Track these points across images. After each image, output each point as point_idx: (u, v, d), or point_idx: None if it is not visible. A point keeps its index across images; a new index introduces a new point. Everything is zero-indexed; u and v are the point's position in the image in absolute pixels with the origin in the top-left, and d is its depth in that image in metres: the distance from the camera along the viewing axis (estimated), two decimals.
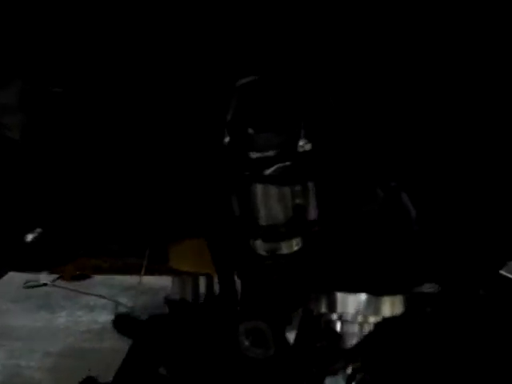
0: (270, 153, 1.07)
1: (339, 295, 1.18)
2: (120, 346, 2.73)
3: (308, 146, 1.08)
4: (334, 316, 1.18)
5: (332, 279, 1.18)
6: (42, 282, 3.52)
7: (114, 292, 3.13)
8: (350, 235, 1.16)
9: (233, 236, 1.24)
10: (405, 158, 1.12)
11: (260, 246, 1.15)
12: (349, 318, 1.17)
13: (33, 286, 3.57)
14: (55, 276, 3.38)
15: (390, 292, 1.16)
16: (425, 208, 1.12)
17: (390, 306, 1.17)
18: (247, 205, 1.12)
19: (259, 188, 1.10)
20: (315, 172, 1.11)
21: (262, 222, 1.12)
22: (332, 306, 1.18)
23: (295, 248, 1.15)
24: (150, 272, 1.63)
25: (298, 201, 1.11)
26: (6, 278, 1.77)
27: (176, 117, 1.18)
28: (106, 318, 2.91)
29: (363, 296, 1.17)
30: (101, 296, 3.07)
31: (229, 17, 1.07)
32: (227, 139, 1.11)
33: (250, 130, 1.09)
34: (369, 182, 1.13)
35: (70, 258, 1.41)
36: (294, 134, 1.07)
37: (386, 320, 1.17)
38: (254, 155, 1.08)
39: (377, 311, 1.16)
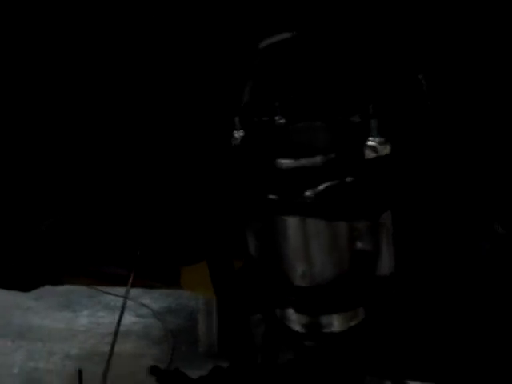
0: (315, 160, 0.70)
1: None
2: (142, 351, 2.65)
3: (384, 149, 0.70)
4: None
5: (406, 366, 0.81)
6: None
7: (137, 293, 3.05)
8: (448, 299, 0.79)
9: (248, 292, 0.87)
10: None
11: (294, 319, 0.75)
12: None
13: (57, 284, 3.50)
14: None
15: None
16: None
17: None
18: (272, 249, 0.73)
19: (293, 223, 0.70)
20: (394, 195, 0.73)
21: (298, 279, 0.73)
22: None
23: (353, 323, 0.75)
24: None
25: (360, 245, 0.72)
26: None
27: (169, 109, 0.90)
28: (128, 319, 2.83)
29: None
30: (123, 296, 2.98)
31: None
32: (239, 134, 0.75)
33: (279, 119, 0.74)
34: (483, 214, 0.78)
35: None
36: (356, 127, 0.71)
37: None
38: (285, 164, 0.70)
39: None
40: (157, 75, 0.91)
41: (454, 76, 0.79)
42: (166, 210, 1.04)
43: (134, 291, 3.06)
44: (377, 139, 0.71)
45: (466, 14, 0.76)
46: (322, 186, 0.71)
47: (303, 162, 0.71)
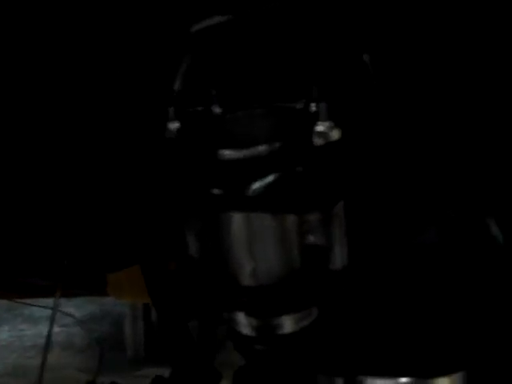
0: (259, 150, 0.65)
1: (367, 381, 0.74)
2: (67, 361, 2.58)
3: (333, 135, 0.66)
4: None
5: (362, 359, 0.75)
6: None
7: (60, 302, 2.97)
8: (401, 291, 0.76)
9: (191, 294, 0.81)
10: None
11: (244, 322, 0.71)
12: None
13: None
14: None
15: (445, 372, 0.75)
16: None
17: None
18: (216, 248, 0.68)
19: (238, 218, 0.65)
20: (347, 184, 0.69)
21: (246, 279, 0.68)
22: None
23: (305, 322, 0.72)
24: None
25: (312, 239, 0.68)
26: None
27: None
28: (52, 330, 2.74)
29: (403, 381, 0.74)
30: (46, 307, 2.90)
31: None
32: (174, 125, 0.69)
33: (217, 108, 0.69)
34: (434, 198, 0.75)
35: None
36: (300, 113, 0.66)
37: None
38: (226, 155, 0.65)
39: None
40: (83, 64, 0.86)
41: (400, 56, 0.79)
42: (91, 213, 0.99)
43: (55, 300, 2.99)
44: (326, 124, 0.66)
45: None
46: (268, 178, 0.66)
47: (246, 152, 0.66)
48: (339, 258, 0.72)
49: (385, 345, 0.76)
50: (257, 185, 0.65)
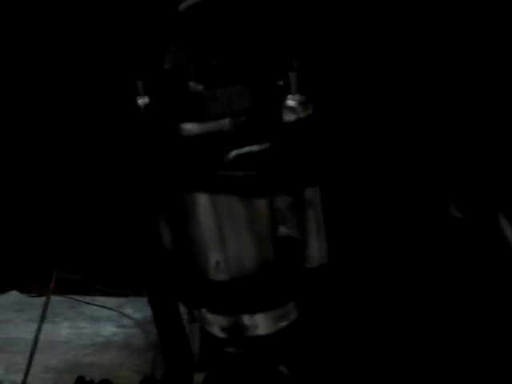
0: (223, 124, 0.56)
1: None
2: (123, 361, 2.60)
3: (304, 110, 0.58)
4: None
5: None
6: None
7: (120, 303, 3.01)
8: (395, 293, 0.67)
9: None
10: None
11: (211, 320, 0.64)
12: None
13: (37, 295, 3.46)
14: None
15: None
16: None
17: None
18: (184, 236, 0.61)
19: (202, 201, 0.58)
20: (320, 166, 0.60)
21: (212, 272, 0.61)
22: None
23: (282, 324, 0.63)
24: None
25: (284, 230, 0.60)
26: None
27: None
28: (109, 330, 2.78)
29: None
30: (105, 307, 2.95)
31: None
32: (144, 100, 0.64)
33: (192, 84, 0.60)
34: (435, 195, 0.66)
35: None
36: (277, 89, 0.58)
37: None
38: (188, 130, 0.56)
39: None
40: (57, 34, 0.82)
41: (378, 29, 0.73)
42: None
43: (116, 301, 3.04)
44: (296, 98, 0.59)
45: None
46: (231, 154, 0.58)
47: (210, 125, 0.58)
48: (316, 254, 0.63)
49: (376, 368, 0.69)
50: (220, 161, 0.57)
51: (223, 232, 0.60)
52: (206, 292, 0.65)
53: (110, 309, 2.96)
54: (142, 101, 0.66)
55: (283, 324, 0.66)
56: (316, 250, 0.64)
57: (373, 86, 0.71)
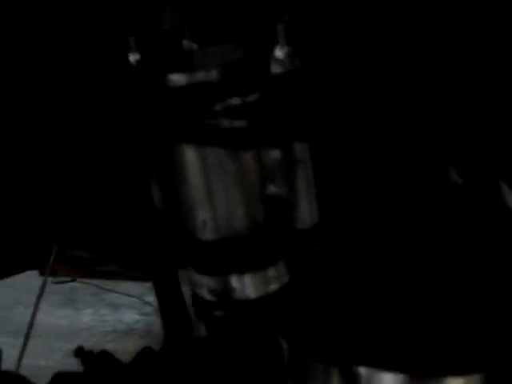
0: (210, 75, 0.55)
1: (363, 373, 0.58)
2: None
3: (292, 62, 0.57)
4: None
5: (361, 347, 0.61)
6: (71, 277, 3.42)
7: (143, 290, 3.01)
8: (388, 260, 0.63)
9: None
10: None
11: (201, 283, 0.63)
12: None
13: (61, 282, 3.47)
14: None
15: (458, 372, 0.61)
16: None
17: None
18: (173, 194, 0.60)
19: (189, 154, 0.57)
20: (309, 121, 0.59)
21: (200, 231, 0.59)
22: None
23: (272, 287, 0.62)
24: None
25: (273, 189, 0.59)
26: (34, 271, 1.65)
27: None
28: (130, 317, 2.78)
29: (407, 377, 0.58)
30: (127, 294, 2.95)
31: None
32: (135, 57, 0.64)
33: (186, 42, 0.61)
34: (427, 156, 0.64)
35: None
36: (261, 38, 0.57)
37: None
38: (174, 80, 0.56)
39: None
40: None
41: None
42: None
43: (137, 288, 3.03)
44: (284, 50, 0.58)
45: None
46: (219, 105, 0.57)
47: (197, 76, 0.57)
48: (307, 214, 0.62)
49: (389, 331, 0.61)
50: (206, 113, 0.56)
51: (211, 189, 0.59)
52: (193, 251, 0.63)
53: (132, 296, 2.96)
54: (133, 57, 0.66)
55: (274, 287, 0.65)
56: (306, 210, 0.63)
57: (366, 38, 0.69)
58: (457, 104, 0.70)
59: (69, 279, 3.64)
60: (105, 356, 1.12)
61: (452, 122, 0.70)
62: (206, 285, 0.64)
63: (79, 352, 1.11)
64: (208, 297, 0.64)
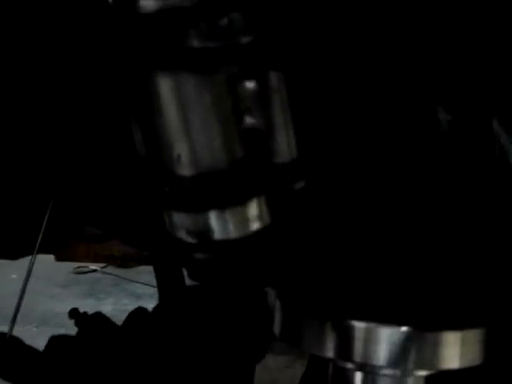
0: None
1: (358, 327, 0.60)
2: None
3: None
4: (350, 365, 0.63)
5: (341, 297, 0.63)
6: (92, 267, 3.47)
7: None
8: (376, 201, 0.63)
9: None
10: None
11: (179, 223, 0.62)
12: (377, 370, 0.62)
13: (83, 272, 3.52)
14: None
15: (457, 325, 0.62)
16: None
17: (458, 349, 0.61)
18: (150, 131, 0.59)
19: (163, 84, 0.56)
20: (284, 46, 0.59)
21: (176, 166, 0.59)
22: (344, 350, 0.62)
23: (255, 226, 0.61)
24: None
25: (250, 121, 0.59)
26: (57, 262, 1.68)
27: None
28: (150, 307, 2.81)
29: (403, 331, 0.59)
30: (149, 284, 2.98)
31: None
32: None
33: None
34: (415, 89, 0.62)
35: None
36: None
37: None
38: (146, 6, 0.55)
39: (430, 359, 0.61)
40: None
41: None
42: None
43: None
44: None
45: None
46: (192, 29, 0.55)
47: (168, 1, 0.55)
48: (285, 147, 0.60)
49: (382, 284, 0.61)
50: (180, 37, 0.54)
51: (185, 120, 0.58)
52: (169, 187, 0.60)
53: (153, 286, 3.00)
54: None
55: (255, 226, 0.62)
56: (284, 143, 0.62)
57: None
58: (443, 34, 0.65)
59: (91, 269, 3.69)
60: (99, 317, 1.13)
61: (438, 52, 0.65)
62: (184, 225, 0.62)
63: (73, 313, 1.11)
64: (188, 239, 0.62)
